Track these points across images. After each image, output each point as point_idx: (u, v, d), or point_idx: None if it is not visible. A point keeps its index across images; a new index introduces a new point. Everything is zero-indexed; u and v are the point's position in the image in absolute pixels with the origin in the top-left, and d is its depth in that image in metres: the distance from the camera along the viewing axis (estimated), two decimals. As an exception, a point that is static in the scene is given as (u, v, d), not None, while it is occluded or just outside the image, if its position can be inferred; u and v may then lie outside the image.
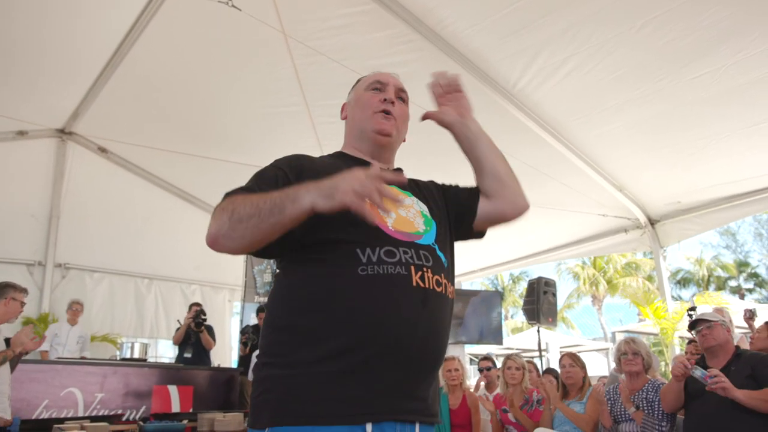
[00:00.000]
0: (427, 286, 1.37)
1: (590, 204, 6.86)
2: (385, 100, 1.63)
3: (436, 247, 1.49)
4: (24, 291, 4.41)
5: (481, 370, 6.17)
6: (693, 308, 6.63)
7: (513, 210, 1.70)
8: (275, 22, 5.02)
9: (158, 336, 9.09)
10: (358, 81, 1.78)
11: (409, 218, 1.49)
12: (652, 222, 7.12)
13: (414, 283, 1.35)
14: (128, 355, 5.87)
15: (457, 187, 1.77)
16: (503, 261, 9.26)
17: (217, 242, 1.30)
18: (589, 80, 4.96)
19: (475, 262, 9.29)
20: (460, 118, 1.73)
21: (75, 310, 7.22)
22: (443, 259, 1.49)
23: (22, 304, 4.41)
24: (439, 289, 1.41)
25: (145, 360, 5.96)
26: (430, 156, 4.86)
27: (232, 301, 10.02)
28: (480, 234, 1.74)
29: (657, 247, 7.15)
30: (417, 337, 1.33)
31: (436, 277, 1.41)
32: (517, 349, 17.36)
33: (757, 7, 4.02)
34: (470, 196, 1.70)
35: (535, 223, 7.65)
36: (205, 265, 9.03)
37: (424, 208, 1.58)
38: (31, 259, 7.84)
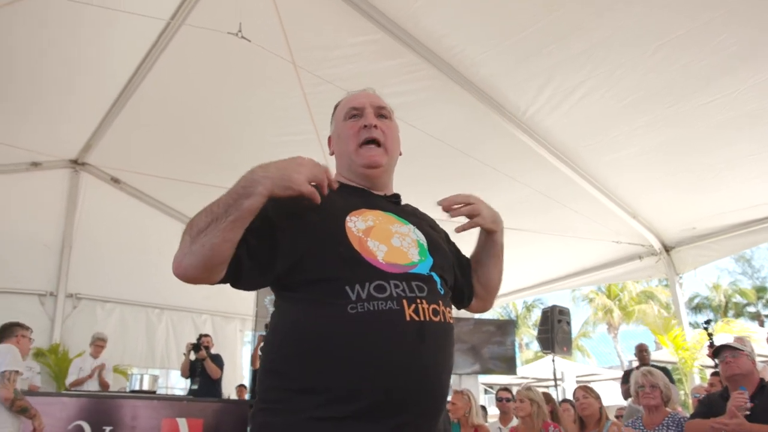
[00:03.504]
0: (422, 318, 1.29)
1: (603, 231, 6.77)
2: (365, 126, 1.54)
3: (433, 275, 1.41)
4: (29, 328, 4.70)
5: (500, 400, 6.05)
6: (708, 321, 6.46)
7: (479, 310, 1.82)
8: (285, 52, 5.06)
9: (169, 366, 9.03)
10: (336, 107, 1.69)
11: (402, 248, 1.41)
12: (667, 248, 7.00)
13: (407, 318, 1.27)
14: (137, 387, 5.80)
15: (461, 257, 1.73)
16: (516, 289, 9.14)
17: (181, 265, 1.24)
18: (600, 106, 4.94)
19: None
20: (496, 228, 1.65)
21: (98, 345, 7.20)
22: (439, 285, 1.41)
23: (30, 340, 4.70)
24: (436, 319, 1.33)
25: (154, 392, 5.89)
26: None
27: (243, 331, 9.94)
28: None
29: (672, 275, 7.02)
30: (416, 375, 1.25)
31: (433, 306, 1.33)
32: (532, 378, 17.09)
33: (770, 31, 3.99)
34: (466, 278, 1.70)
35: (547, 250, 7.58)
36: (216, 295, 8.97)
37: (421, 238, 1.49)
38: (42, 290, 7.85)
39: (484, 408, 7.92)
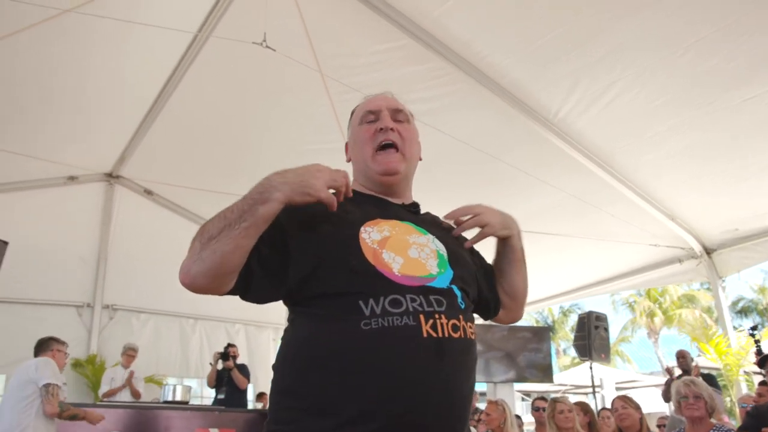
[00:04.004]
0: (440, 334, 1.21)
1: (641, 234, 6.58)
2: (381, 129, 1.47)
3: (453, 287, 1.33)
4: (65, 343, 4.84)
5: (537, 410, 5.92)
6: (755, 327, 6.21)
7: (508, 321, 1.71)
8: (311, 60, 5.05)
9: (204, 375, 9.05)
10: (353, 113, 1.62)
11: (420, 259, 1.33)
12: (708, 251, 6.77)
13: (425, 334, 1.19)
14: (170, 398, 5.84)
15: (486, 266, 1.64)
16: (552, 294, 8.96)
17: (189, 273, 1.19)
18: (633, 107, 4.80)
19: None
20: (509, 233, 1.56)
21: (129, 354, 7.31)
22: (460, 298, 1.32)
23: (66, 354, 4.84)
24: (456, 335, 1.24)
25: (187, 402, 5.92)
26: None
27: (276, 340, 9.96)
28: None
29: (715, 278, 6.77)
30: (435, 396, 1.17)
31: (453, 321, 1.25)
32: (569, 385, 16.77)
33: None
34: (491, 289, 1.61)
35: (583, 254, 7.42)
36: (249, 305, 8.99)
37: (441, 249, 1.41)
38: (80, 301, 7.98)
39: (519, 417, 7.76)
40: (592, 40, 4.25)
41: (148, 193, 8.45)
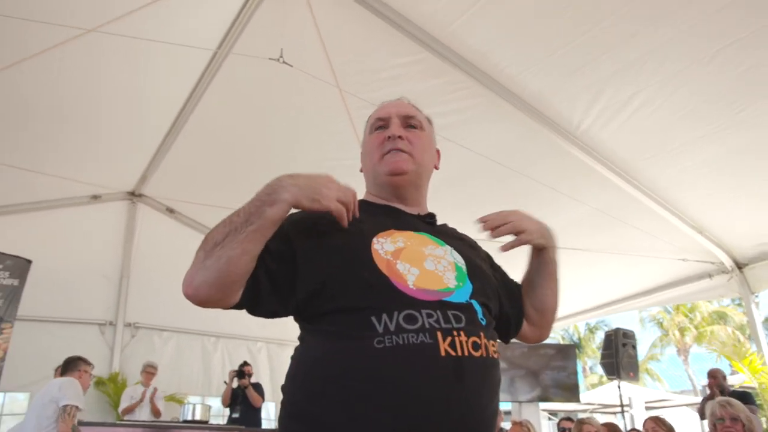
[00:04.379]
0: (460, 353, 1.12)
1: (668, 248, 6.39)
2: (389, 138, 1.42)
3: (473, 302, 1.24)
4: (91, 364, 4.91)
5: (563, 430, 5.76)
6: None
7: (535, 340, 1.61)
8: (329, 76, 5.04)
9: (226, 394, 9.05)
10: (368, 119, 1.57)
11: (437, 272, 1.24)
12: (740, 266, 6.53)
13: (443, 353, 1.11)
14: (190, 417, 5.80)
15: (508, 281, 1.56)
16: (577, 311, 8.73)
17: (192, 283, 1.14)
18: (658, 116, 4.67)
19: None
20: (547, 244, 1.47)
21: (149, 372, 7.31)
22: (480, 314, 1.24)
23: (91, 376, 4.92)
24: (477, 354, 1.15)
25: (206, 422, 5.87)
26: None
27: (298, 359, 9.90)
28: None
29: (747, 293, 6.53)
30: (454, 418, 1.09)
31: (473, 339, 1.16)
32: (597, 404, 16.38)
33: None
34: (513, 306, 1.51)
35: (609, 270, 7.24)
36: (271, 323, 8.96)
37: (460, 261, 1.33)
38: (102, 319, 8.02)
39: (545, 437, 7.57)
40: (614, 50, 4.15)
41: (170, 211, 8.50)
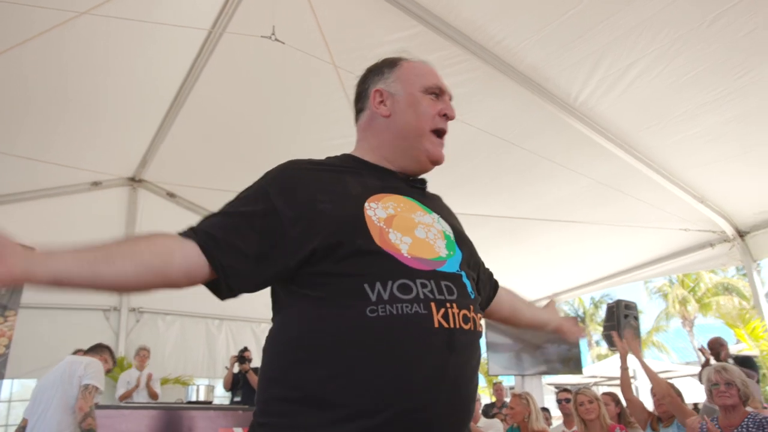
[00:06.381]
0: (452, 325, 1.11)
1: (670, 218, 6.37)
2: (445, 115, 1.38)
3: (463, 273, 1.22)
4: (114, 356, 4.97)
5: (560, 402, 5.80)
6: None
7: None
8: (324, 54, 4.99)
9: (231, 376, 9.13)
10: (401, 64, 1.46)
11: (428, 240, 1.21)
12: (741, 234, 6.52)
13: (436, 324, 1.09)
14: (194, 398, 5.85)
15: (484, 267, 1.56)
16: (580, 284, 8.75)
17: None
18: (657, 85, 4.62)
19: (549, 287, 8.82)
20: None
21: (142, 356, 7.39)
22: (469, 288, 1.22)
23: (109, 370, 4.85)
24: (467, 327, 1.14)
25: (210, 402, 5.93)
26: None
27: (302, 339, 9.96)
28: None
29: (749, 261, 6.52)
30: (444, 390, 1.08)
31: (463, 311, 1.15)
32: (600, 377, 16.49)
33: None
34: (483, 289, 1.54)
35: (611, 242, 7.23)
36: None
37: (447, 229, 1.30)
38: (107, 305, 8.07)
39: (547, 410, 7.62)
40: (611, 18, 4.09)
41: (171, 195, 8.49)
